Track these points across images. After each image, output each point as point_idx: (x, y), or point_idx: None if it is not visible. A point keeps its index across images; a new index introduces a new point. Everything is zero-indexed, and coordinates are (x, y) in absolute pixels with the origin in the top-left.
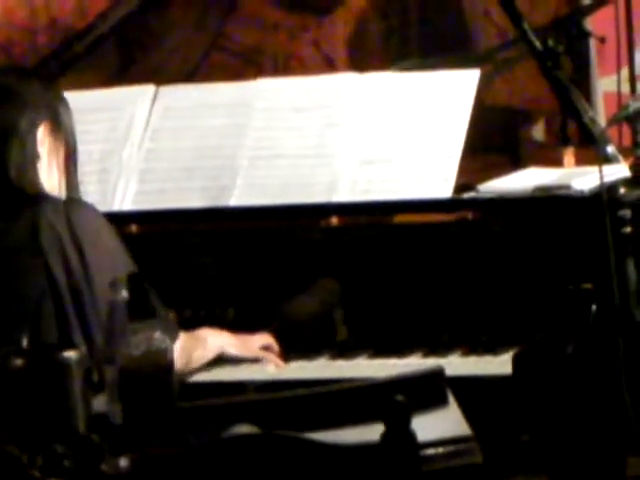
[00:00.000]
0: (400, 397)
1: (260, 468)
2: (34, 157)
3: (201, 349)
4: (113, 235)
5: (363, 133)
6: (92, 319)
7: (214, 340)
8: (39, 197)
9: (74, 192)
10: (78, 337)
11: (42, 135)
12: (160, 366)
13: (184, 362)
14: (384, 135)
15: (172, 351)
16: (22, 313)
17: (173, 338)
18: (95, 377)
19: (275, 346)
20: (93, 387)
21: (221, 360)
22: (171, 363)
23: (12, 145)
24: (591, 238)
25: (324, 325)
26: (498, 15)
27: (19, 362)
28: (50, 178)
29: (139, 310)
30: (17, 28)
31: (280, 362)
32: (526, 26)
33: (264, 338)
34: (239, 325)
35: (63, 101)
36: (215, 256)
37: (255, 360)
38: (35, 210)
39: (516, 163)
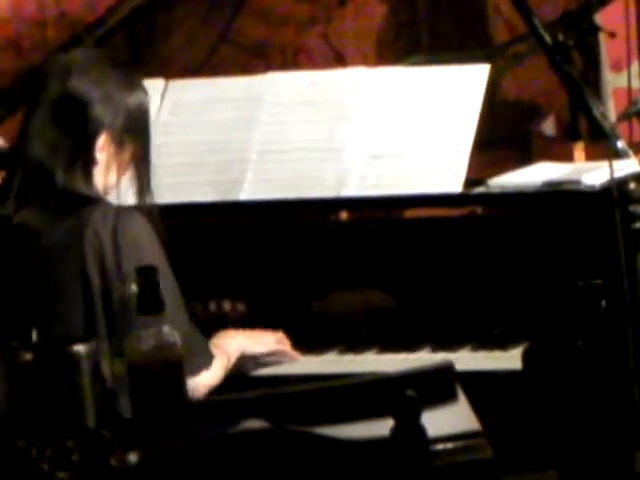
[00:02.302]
0: (410, 392)
1: (269, 463)
2: (89, 163)
3: (226, 359)
4: (157, 250)
5: (373, 128)
6: (119, 325)
7: (233, 344)
8: (90, 200)
9: (145, 195)
10: (104, 341)
11: (103, 142)
12: (169, 360)
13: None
14: (394, 130)
15: (180, 346)
16: (52, 308)
17: (209, 365)
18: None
19: (286, 341)
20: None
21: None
22: (180, 357)
23: (65, 149)
24: (601, 233)
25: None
26: (508, 10)
27: (28, 356)
28: (106, 181)
29: (148, 304)
30: (26, 22)
31: (296, 355)
32: (536, 21)
33: (276, 334)
34: (248, 319)
35: (141, 102)
36: (224, 250)
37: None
38: (83, 214)
39: (526, 158)
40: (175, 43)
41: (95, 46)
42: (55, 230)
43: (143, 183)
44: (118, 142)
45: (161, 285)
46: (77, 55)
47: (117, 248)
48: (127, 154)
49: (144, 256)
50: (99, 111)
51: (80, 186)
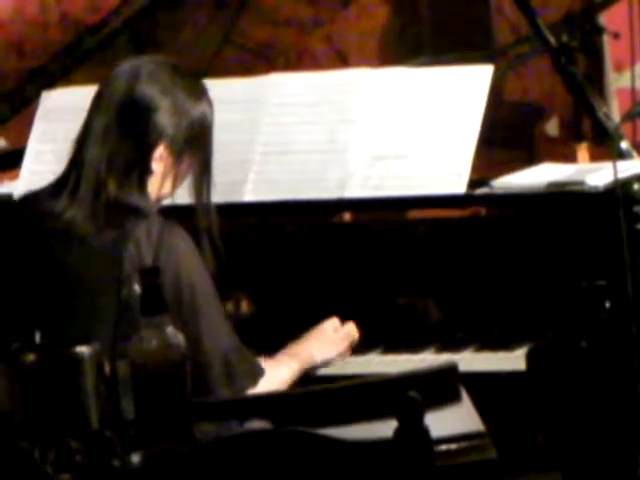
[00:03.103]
0: (413, 393)
1: (272, 464)
2: (145, 173)
3: (297, 367)
4: (198, 268)
5: (376, 129)
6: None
7: (305, 353)
8: (137, 212)
9: (204, 198)
10: None
11: (161, 152)
12: (173, 361)
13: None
14: (397, 131)
15: (185, 346)
16: (81, 314)
17: (254, 383)
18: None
19: (355, 332)
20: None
21: None
22: (184, 358)
23: (123, 158)
24: (605, 234)
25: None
26: (511, 11)
27: (31, 357)
28: (160, 191)
29: (151, 305)
30: (28, 23)
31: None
32: (540, 22)
33: (349, 329)
34: (252, 319)
35: (204, 115)
36: (226, 251)
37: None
38: (128, 225)
39: (530, 159)
40: (178, 45)
41: (98, 48)
42: (99, 238)
43: (202, 194)
44: (177, 154)
45: (202, 303)
46: (147, 61)
47: (157, 262)
48: (185, 165)
49: (183, 275)
50: (163, 120)
51: (132, 197)
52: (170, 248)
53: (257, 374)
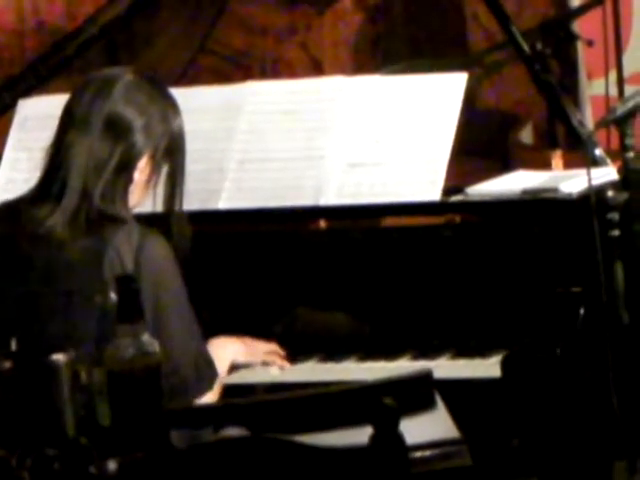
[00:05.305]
0: (389, 400)
1: (249, 471)
2: (127, 183)
3: (221, 370)
4: (176, 275)
5: (351, 136)
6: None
7: (227, 353)
8: (116, 220)
9: (175, 205)
10: None
11: (144, 164)
12: (149, 368)
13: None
14: (372, 138)
15: (159, 353)
16: (60, 319)
17: (212, 387)
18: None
19: (280, 351)
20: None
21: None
22: (159, 365)
23: (110, 169)
24: (579, 241)
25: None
26: (486, 18)
27: (7, 365)
28: (138, 198)
29: (127, 313)
30: (5, 32)
31: (286, 363)
32: (514, 29)
33: (269, 344)
34: (224, 327)
35: (182, 125)
36: (203, 259)
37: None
38: (107, 232)
39: (504, 166)
40: (154, 53)
41: (74, 56)
42: (78, 244)
43: (175, 197)
44: (157, 163)
45: (176, 310)
46: (123, 72)
47: (138, 269)
48: (162, 172)
49: (163, 281)
50: (142, 138)
51: (115, 206)
52: (149, 254)
53: (215, 379)
